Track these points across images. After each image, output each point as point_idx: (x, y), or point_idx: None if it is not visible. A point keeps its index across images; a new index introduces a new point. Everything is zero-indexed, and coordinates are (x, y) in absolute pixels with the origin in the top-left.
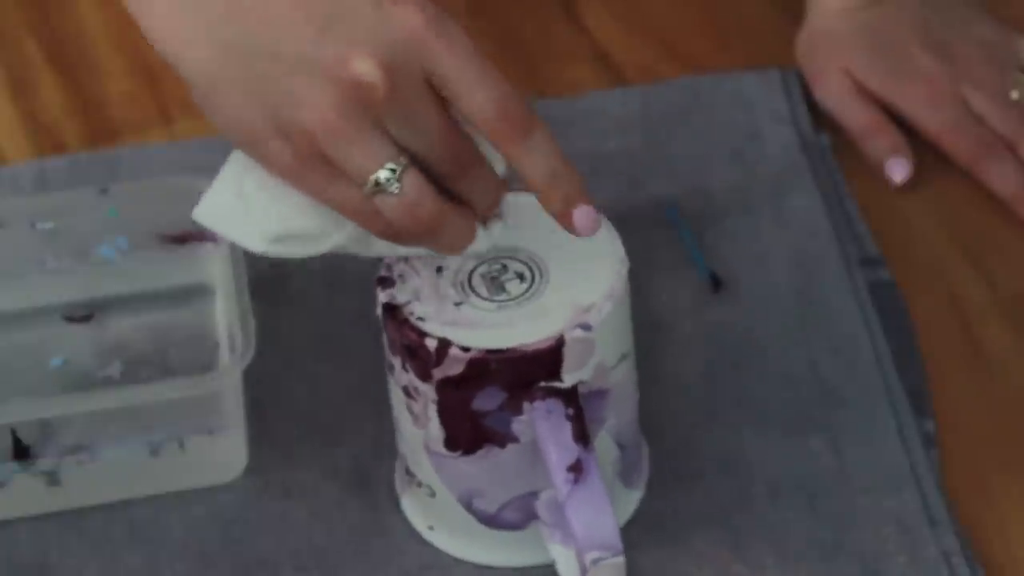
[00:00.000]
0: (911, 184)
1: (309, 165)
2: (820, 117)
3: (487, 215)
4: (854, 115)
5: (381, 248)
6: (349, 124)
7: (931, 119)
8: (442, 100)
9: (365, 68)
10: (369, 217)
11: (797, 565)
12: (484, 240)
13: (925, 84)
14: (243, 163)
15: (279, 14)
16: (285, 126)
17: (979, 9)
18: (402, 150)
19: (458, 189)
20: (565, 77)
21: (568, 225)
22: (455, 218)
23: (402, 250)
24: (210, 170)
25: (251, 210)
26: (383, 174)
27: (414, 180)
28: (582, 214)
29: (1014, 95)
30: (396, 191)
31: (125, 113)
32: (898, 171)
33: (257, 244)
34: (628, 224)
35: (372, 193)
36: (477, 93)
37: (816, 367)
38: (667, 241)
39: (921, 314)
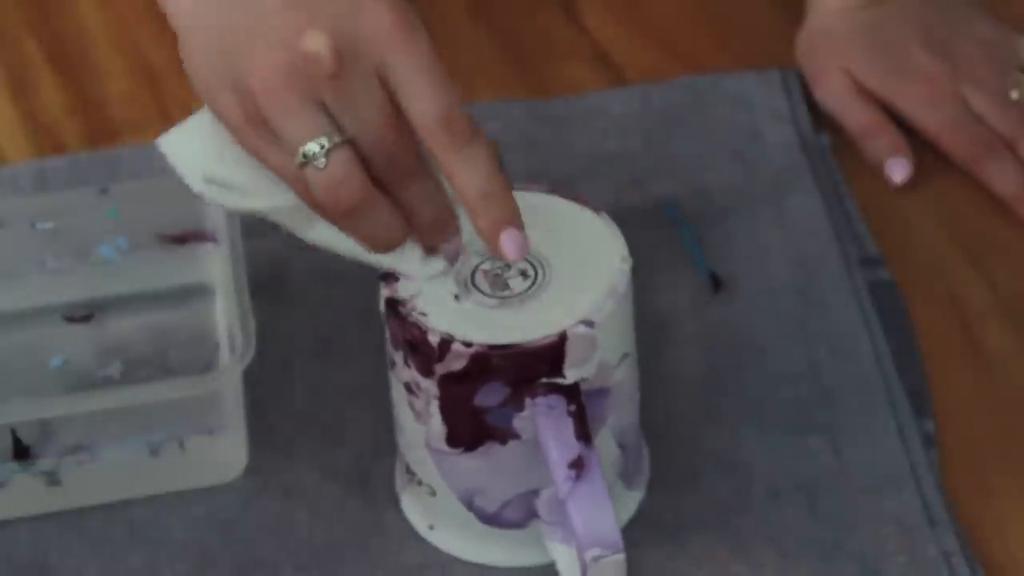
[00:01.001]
0: (911, 184)
1: (252, 125)
2: (820, 117)
3: (431, 237)
4: (854, 115)
5: (319, 235)
6: (289, 92)
7: (931, 119)
8: (392, 102)
9: (316, 42)
10: (300, 187)
11: (797, 565)
12: (422, 267)
13: (925, 84)
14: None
15: None
16: (236, 83)
17: (979, 9)
18: (340, 131)
19: (397, 193)
20: (565, 77)
21: (494, 247)
22: (381, 209)
23: (335, 243)
24: None
25: (201, 152)
26: (312, 146)
27: (342, 158)
28: (509, 237)
29: (1014, 95)
30: (322, 166)
31: (125, 113)
32: (898, 171)
33: (193, 182)
34: (628, 224)
35: (302, 165)
36: (424, 98)
37: (816, 367)
38: (667, 241)
39: (921, 314)
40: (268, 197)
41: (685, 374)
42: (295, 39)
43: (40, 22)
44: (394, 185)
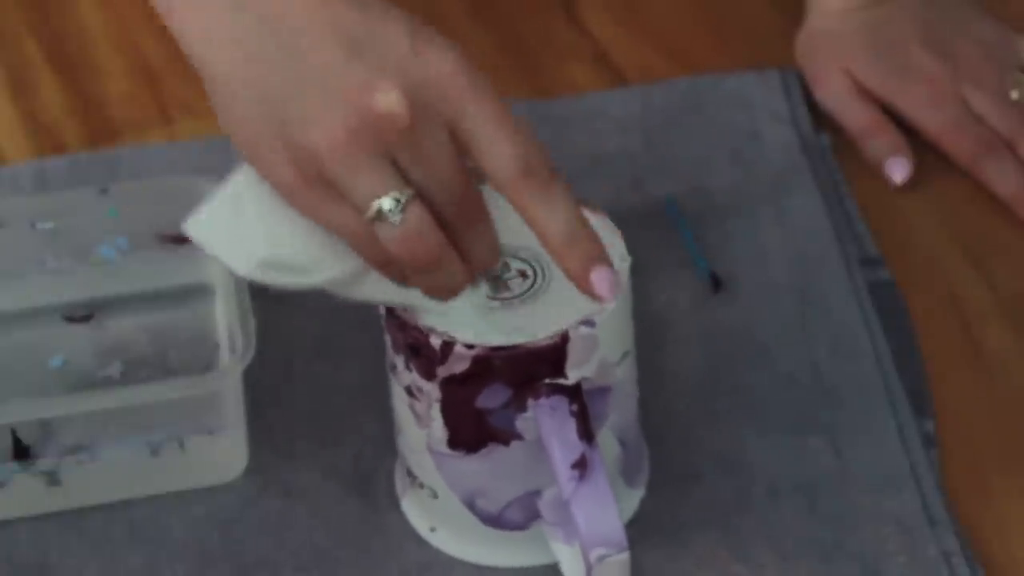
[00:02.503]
0: (911, 184)
1: (310, 185)
2: (820, 117)
3: (481, 269)
4: (854, 115)
5: (369, 292)
6: (359, 150)
7: (931, 119)
8: (458, 149)
9: (389, 99)
10: (366, 244)
11: (797, 565)
12: (470, 298)
13: (925, 84)
14: (243, 183)
15: (310, 31)
16: (293, 143)
17: (979, 9)
18: (409, 184)
19: (459, 240)
20: (565, 77)
21: (585, 287)
22: (453, 261)
23: (387, 297)
24: (210, 170)
25: (243, 232)
26: (387, 202)
27: (418, 212)
28: (600, 276)
29: (1014, 95)
30: (397, 221)
31: (125, 113)
32: (898, 171)
33: (243, 267)
34: (628, 224)
35: (372, 221)
36: (500, 147)
37: (816, 367)
38: (667, 241)
39: (921, 314)
40: (326, 270)
41: (685, 374)
42: (362, 95)
43: (40, 22)
44: (460, 231)
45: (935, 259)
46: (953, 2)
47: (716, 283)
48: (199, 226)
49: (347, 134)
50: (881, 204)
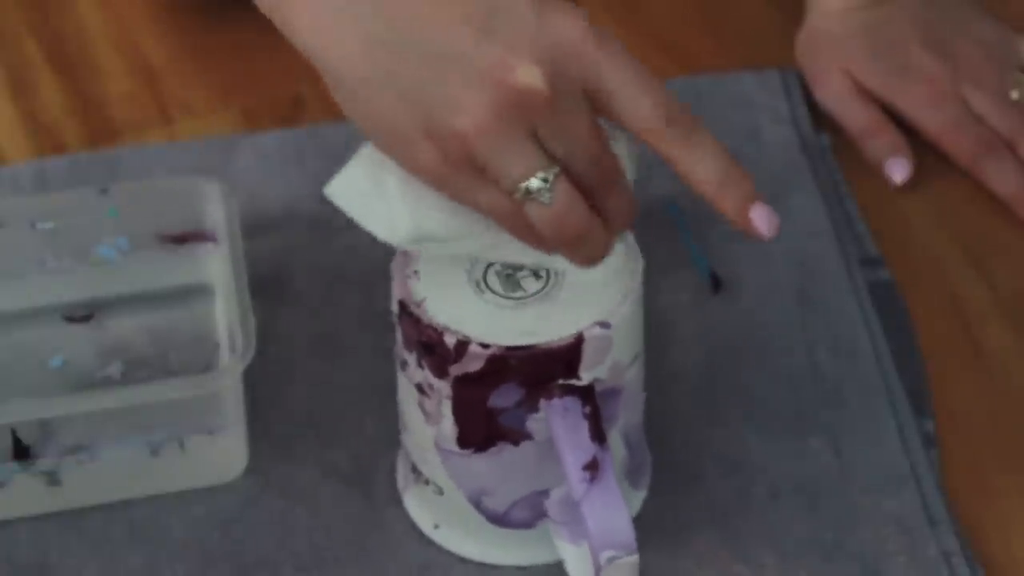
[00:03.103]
0: (911, 184)
1: (457, 169)
2: (820, 117)
3: (621, 229)
4: (854, 115)
5: (510, 255)
6: (505, 130)
7: (931, 119)
8: (594, 112)
9: (530, 75)
10: (516, 223)
11: (797, 565)
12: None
13: (925, 84)
14: (378, 155)
15: (433, 12)
16: (437, 129)
17: (979, 9)
18: (553, 159)
19: (601, 203)
20: None
21: (746, 226)
22: (598, 230)
23: (527, 260)
24: (210, 170)
25: (385, 204)
26: (535, 183)
27: (565, 190)
28: (760, 213)
29: (1014, 95)
30: (547, 201)
31: (125, 113)
32: (898, 171)
33: (390, 238)
34: None
35: (522, 201)
36: (642, 102)
37: (816, 367)
38: (667, 241)
39: (921, 314)
40: (467, 241)
41: (686, 374)
42: (503, 73)
43: (40, 22)
44: (601, 196)
45: (935, 259)
46: (953, 2)
47: (716, 283)
48: (342, 191)
49: (493, 116)
50: (881, 204)
